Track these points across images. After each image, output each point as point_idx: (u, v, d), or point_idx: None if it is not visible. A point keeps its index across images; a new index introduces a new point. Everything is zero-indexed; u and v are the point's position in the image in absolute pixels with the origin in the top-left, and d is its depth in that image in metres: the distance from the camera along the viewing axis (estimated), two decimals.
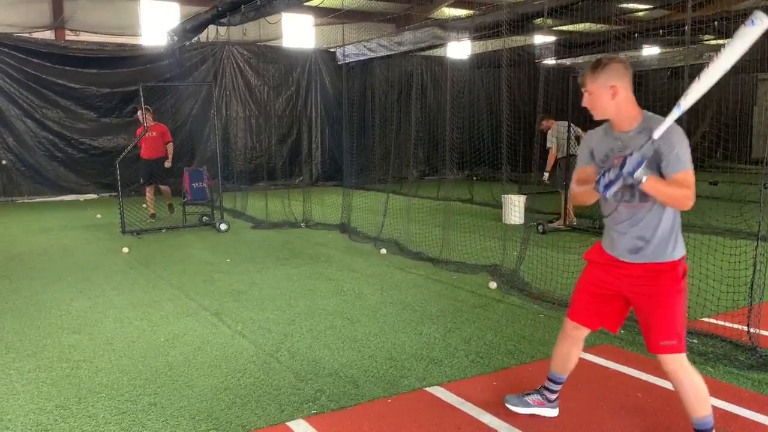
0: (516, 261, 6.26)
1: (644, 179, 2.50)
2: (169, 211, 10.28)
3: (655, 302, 2.73)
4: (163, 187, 10.16)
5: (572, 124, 8.93)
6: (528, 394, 3.27)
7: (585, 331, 3.07)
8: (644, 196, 2.67)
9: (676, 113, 2.53)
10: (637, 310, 2.85)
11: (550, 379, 3.21)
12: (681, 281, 2.73)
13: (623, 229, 2.78)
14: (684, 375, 2.73)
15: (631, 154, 2.50)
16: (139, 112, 9.65)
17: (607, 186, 2.55)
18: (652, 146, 2.56)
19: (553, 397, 3.23)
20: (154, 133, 9.80)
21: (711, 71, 2.48)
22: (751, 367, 3.84)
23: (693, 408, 2.76)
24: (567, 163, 8.80)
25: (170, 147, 9.99)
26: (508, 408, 3.25)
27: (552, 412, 3.25)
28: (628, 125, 2.70)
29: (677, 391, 2.79)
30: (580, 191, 2.85)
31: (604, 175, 2.57)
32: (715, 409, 3.27)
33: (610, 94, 2.65)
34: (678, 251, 2.74)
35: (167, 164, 9.87)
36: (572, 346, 3.11)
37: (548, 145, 9.12)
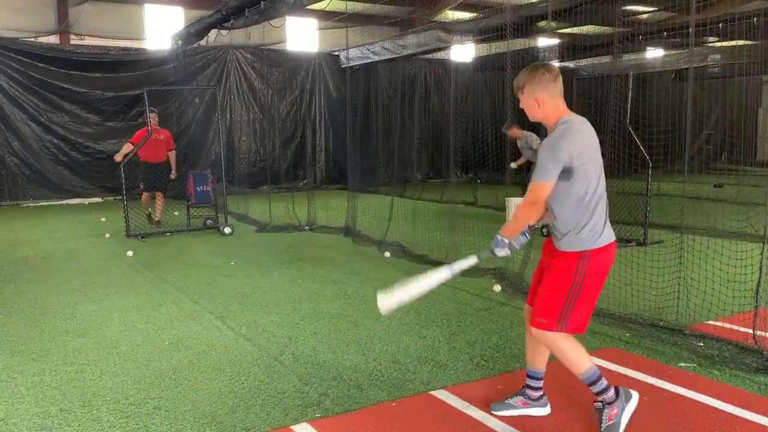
0: (520, 264, 6.25)
1: (500, 239, 3.06)
2: (156, 226, 9.53)
3: (544, 281, 3.03)
4: (158, 196, 9.66)
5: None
6: (511, 397, 3.32)
7: None
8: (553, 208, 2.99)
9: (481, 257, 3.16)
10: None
11: (528, 375, 3.28)
12: (573, 267, 2.91)
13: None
14: (552, 347, 3.02)
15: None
16: (151, 115, 9.16)
17: (495, 248, 3.09)
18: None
19: (536, 395, 3.25)
20: (162, 137, 9.45)
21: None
22: (758, 370, 3.82)
23: (570, 370, 3.02)
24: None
25: (173, 155, 9.68)
26: (494, 414, 3.28)
27: (542, 411, 3.27)
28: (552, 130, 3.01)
29: None
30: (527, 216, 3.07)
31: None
32: (720, 412, 3.27)
33: (536, 106, 2.95)
34: (576, 245, 2.93)
35: (172, 176, 9.55)
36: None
37: (534, 145, 9.10)
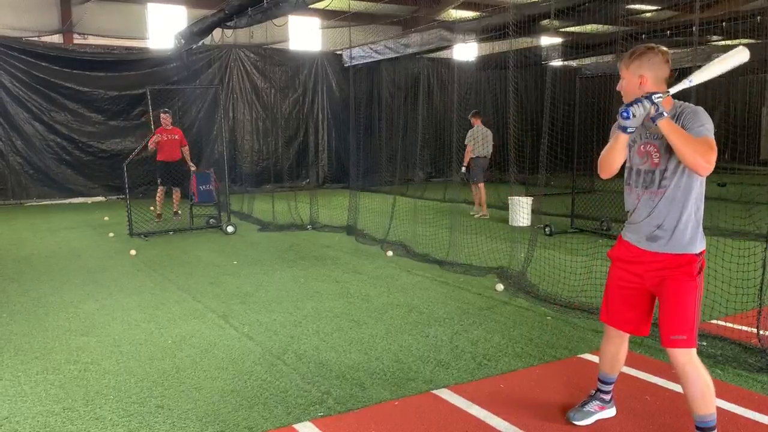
0: (523, 263, 6.24)
1: (665, 114, 2.55)
2: (174, 217, 10.52)
3: (668, 296, 2.74)
4: (176, 192, 10.41)
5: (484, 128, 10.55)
6: (586, 404, 3.24)
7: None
8: (663, 181, 2.71)
9: (685, 84, 2.63)
10: (659, 303, 2.86)
11: (601, 381, 3.22)
12: (696, 277, 2.72)
13: (641, 216, 2.81)
14: (692, 370, 2.72)
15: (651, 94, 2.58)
16: (163, 116, 10.00)
17: (629, 104, 2.59)
18: (675, 113, 2.66)
19: (608, 397, 3.24)
20: (176, 136, 10.09)
21: (723, 63, 2.64)
22: (761, 369, 3.81)
23: (697, 405, 2.75)
24: (480, 162, 10.48)
25: (186, 150, 10.27)
26: (575, 425, 3.16)
27: (612, 412, 3.25)
28: None
29: (683, 386, 2.79)
30: (606, 148, 2.83)
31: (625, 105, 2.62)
32: (723, 411, 3.26)
33: (638, 83, 2.71)
34: (696, 246, 2.73)
35: (192, 168, 10.09)
36: (619, 347, 3.12)
37: (465, 141, 10.52)
